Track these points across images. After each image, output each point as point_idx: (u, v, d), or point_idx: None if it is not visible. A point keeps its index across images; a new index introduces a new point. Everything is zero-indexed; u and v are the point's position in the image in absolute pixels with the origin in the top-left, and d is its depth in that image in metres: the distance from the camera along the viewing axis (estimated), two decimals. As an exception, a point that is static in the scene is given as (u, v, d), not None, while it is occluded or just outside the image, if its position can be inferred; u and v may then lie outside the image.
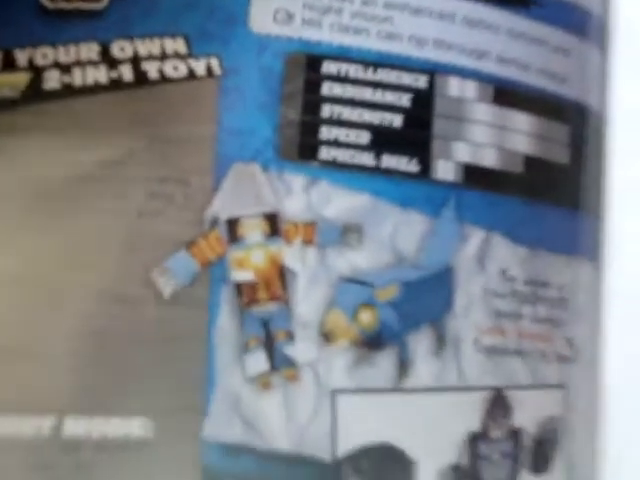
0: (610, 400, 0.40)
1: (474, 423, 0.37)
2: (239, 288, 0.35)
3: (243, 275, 0.35)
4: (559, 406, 0.38)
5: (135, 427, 0.34)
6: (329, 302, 0.35)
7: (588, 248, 0.40)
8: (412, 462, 0.36)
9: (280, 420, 0.35)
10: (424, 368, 0.36)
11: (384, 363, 0.36)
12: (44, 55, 0.34)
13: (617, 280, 0.41)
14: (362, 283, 0.36)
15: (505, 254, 0.37)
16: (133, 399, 0.34)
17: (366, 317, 0.36)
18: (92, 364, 0.34)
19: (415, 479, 0.36)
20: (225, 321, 0.35)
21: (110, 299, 0.34)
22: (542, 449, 0.38)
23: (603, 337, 0.40)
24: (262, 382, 0.35)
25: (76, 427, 0.34)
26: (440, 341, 0.37)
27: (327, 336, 0.35)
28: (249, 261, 0.35)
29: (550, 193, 0.39)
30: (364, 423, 0.35)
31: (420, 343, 0.36)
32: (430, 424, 0.36)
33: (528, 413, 0.37)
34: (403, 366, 0.36)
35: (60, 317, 0.34)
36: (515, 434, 0.37)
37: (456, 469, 0.36)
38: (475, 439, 0.37)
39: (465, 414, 0.36)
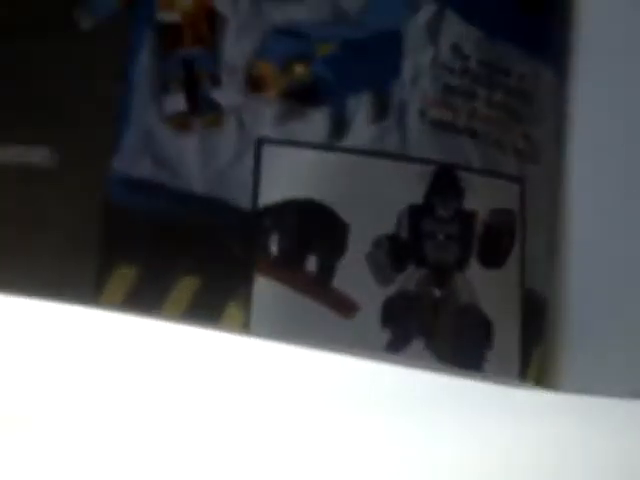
0: (574, 201, 0.34)
1: (416, 196, 0.31)
2: (164, 29, 0.31)
3: (169, 16, 0.31)
4: (515, 200, 0.33)
5: (37, 156, 0.30)
6: (259, 50, 0.31)
7: (551, 54, 0.35)
8: (344, 223, 0.31)
9: (197, 162, 0.30)
10: (363, 131, 0.31)
11: (318, 119, 0.31)
12: None
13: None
14: (297, 35, 0.31)
15: (458, 31, 0.33)
16: (37, 128, 0.30)
17: (299, 69, 0.31)
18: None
19: (346, 241, 0.31)
20: (146, 60, 0.30)
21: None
22: (495, 240, 0.32)
23: (567, 145, 0.35)
24: (179, 122, 0.30)
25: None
26: (383, 107, 0.32)
27: (255, 84, 0.31)
28: (176, 2, 0.31)
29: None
30: (290, 176, 0.30)
31: (361, 106, 0.31)
32: (366, 188, 0.31)
33: (481, 199, 0.32)
34: (339, 125, 0.31)
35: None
36: (465, 217, 0.32)
37: (393, 240, 0.31)
38: (417, 213, 0.31)
39: (405, 185, 0.31)
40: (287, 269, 0.30)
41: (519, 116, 0.34)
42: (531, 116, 0.34)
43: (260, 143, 0.30)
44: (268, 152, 0.30)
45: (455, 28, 0.33)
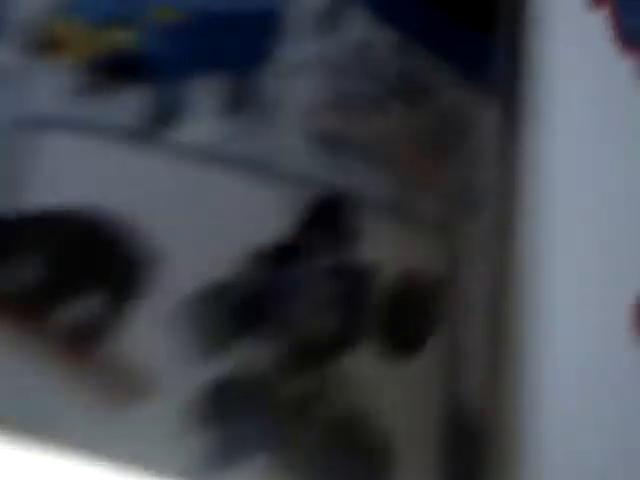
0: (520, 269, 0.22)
1: (279, 231, 0.20)
2: None
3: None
4: (440, 259, 0.21)
5: None
6: (65, 5, 0.21)
7: (495, 86, 0.24)
8: (146, 255, 0.19)
9: None
10: (206, 124, 0.20)
11: (133, 100, 0.20)
12: None
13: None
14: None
15: (364, 27, 0.22)
16: None
17: (120, 35, 0.21)
18: None
19: (145, 284, 0.19)
20: None
21: None
22: (404, 315, 0.20)
23: (512, 202, 0.23)
24: None
25: None
26: (240, 99, 0.21)
27: (49, 44, 0.20)
28: None
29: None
30: (77, 174, 0.19)
31: (206, 93, 0.21)
32: (198, 208, 0.19)
33: (386, 250, 0.20)
34: (166, 111, 0.20)
35: None
36: (357, 273, 0.20)
37: (231, 292, 0.19)
38: (276, 256, 0.20)
39: (264, 212, 0.20)
40: (33, 315, 0.18)
41: (449, 151, 0.23)
42: (466, 156, 0.23)
43: (40, 124, 0.20)
44: (50, 138, 0.20)
45: (360, 22, 0.23)
